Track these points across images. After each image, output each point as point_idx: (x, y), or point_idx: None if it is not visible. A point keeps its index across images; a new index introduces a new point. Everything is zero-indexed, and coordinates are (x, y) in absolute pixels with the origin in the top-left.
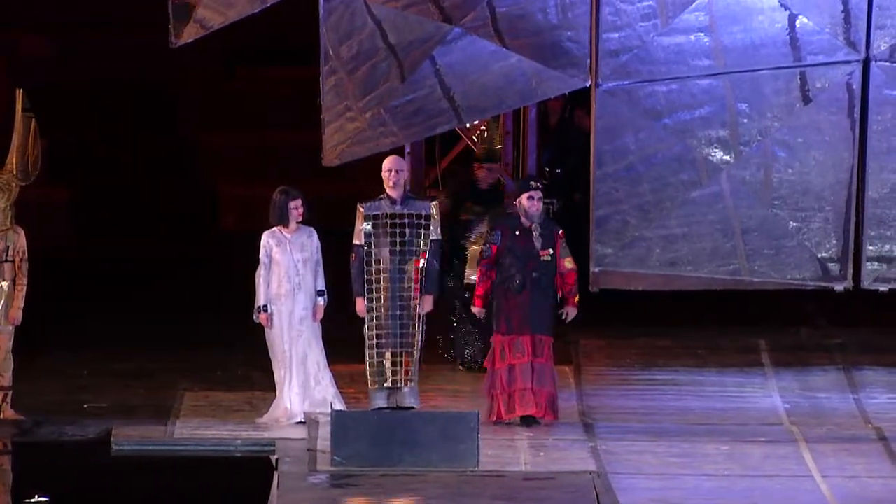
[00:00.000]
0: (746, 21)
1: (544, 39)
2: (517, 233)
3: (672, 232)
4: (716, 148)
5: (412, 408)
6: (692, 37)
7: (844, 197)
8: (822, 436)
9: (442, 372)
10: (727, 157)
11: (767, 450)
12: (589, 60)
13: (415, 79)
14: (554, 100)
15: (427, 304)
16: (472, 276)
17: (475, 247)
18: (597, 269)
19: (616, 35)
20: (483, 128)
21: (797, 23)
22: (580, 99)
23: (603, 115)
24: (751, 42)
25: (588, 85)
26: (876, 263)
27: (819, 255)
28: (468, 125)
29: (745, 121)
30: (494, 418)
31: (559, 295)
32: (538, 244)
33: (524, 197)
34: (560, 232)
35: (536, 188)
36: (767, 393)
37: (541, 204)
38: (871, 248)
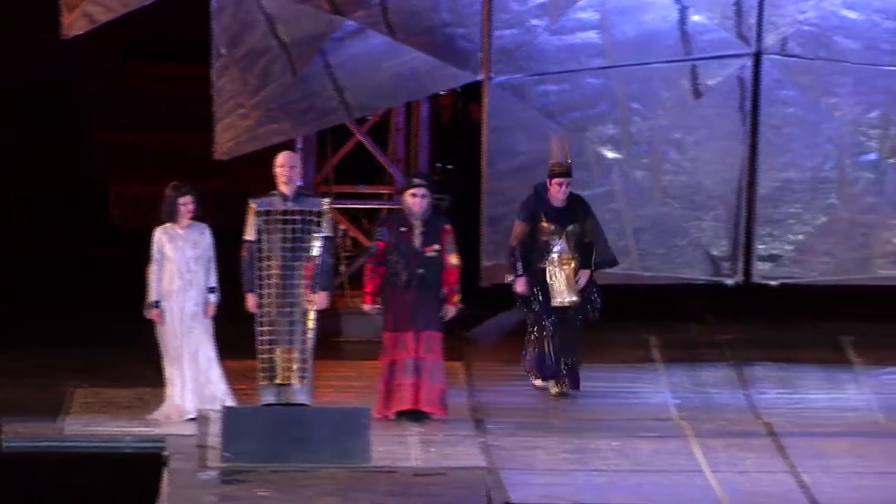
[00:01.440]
0: (637, 17)
1: (437, 36)
2: (403, 229)
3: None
4: (608, 147)
5: (304, 404)
6: (583, 34)
7: (735, 194)
8: (712, 431)
9: (333, 368)
10: (619, 156)
11: (657, 445)
12: (481, 55)
13: (306, 76)
14: (446, 97)
15: (320, 301)
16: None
17: None
18: (489, 264)
19: (508, 32)
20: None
21: (688, 17)
22: (473, 96)
23: (495, 113)
24: (642, 38)
25: (480, 79)
26: (767, 263)
27: (711, 253)
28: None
29: (637, 119)
30: (376, 414)
31: (445, 291)
32: (418, 241)
33: (408, 193)
34: (448, 227)
35: (420, 185)
36: (658, 389)
37: (425, 200)
38: (761, 246)
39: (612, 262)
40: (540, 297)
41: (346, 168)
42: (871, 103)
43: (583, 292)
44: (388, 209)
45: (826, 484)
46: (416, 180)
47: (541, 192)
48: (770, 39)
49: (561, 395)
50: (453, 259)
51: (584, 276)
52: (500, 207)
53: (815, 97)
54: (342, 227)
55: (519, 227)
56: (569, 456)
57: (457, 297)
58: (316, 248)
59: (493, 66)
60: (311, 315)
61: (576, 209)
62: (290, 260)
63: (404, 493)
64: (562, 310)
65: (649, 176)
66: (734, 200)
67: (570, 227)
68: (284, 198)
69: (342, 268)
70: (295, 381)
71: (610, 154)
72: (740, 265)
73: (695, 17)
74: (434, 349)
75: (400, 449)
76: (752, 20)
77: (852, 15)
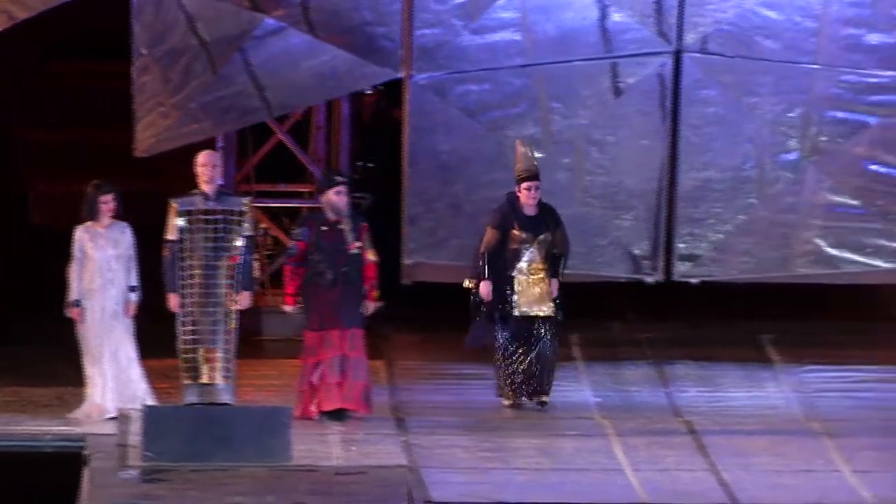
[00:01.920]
0: (557, 15)
1: (357, 34)
2: (324, 228)
3: (484, 231)
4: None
5: (227, 404)
6: (504, 33)
7: (656, 194)
8: (632, 429)
9: (254, 367)
10: (540, 155)
11: (578, 443)
12: (401, 52)
13: (227, 75)
14: (368, 96)
15: (243, 300)
16: None
17: None
18: (409, 262)
19: (429, 32)
20: (296, 122)
21: (608, 16)
22: (395, 95)
23: (416, 112)
24: (562, 36)
25: (401, 77)
26: (687, 263)
27: (632, 252)
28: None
29: (558, 118)
30: (299, 413)
31: (366, 287)
32: (350, 237)
33: (332, 192)
34: (365, 225)
35: (343, 182)
36: (579, 387)
37: (347, 197)
38: (681, 245)
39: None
40: (505, 307)
41: (267, 167)
42: (791, 102)
43: (553, 302)
44: (309, 208)
45: (746, 482)
46: (339, 178)
47: (513, 200)
48: (690, 38)
49: (543, 403)
50: (371, 255)
51: (555, 286)
52: (420, 206)
53: (735, 97)
54: (263, 225)
55: (489, 235)
56: (489, 454)
57: (376, 294)
58: (237, 247)
59: (414, 64)
60: (233, 314)
61: (547, 218)
62: (213, 259)
63: (325, 491)
64: (529, 321)
65: (570, 175)
66: (655, 200)
67: (541, 237)
68: (206, 197)
69: (264, 266)
70: (218, 381)
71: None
72: (661, 264)
73: (615, 16)
74: (358, 346)
75: (321, 448)
76: (673, 19)
77: (773, 15)
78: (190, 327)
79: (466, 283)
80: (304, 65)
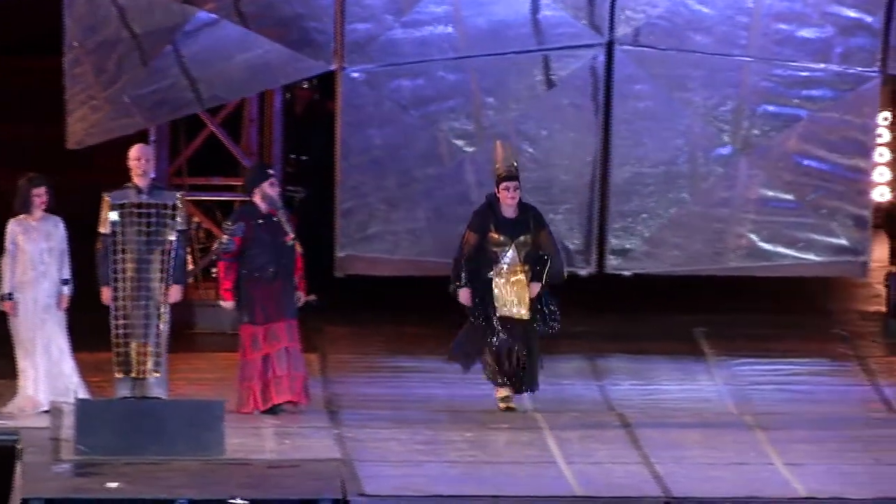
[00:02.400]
0: (489, 8)
1: (290, 28)
2: (260, 221)
3: (419, 225)
4: (462, 140)
5: (158, 398)
6: (436, 28)
7: (589, 188)
8: (566, 423)
9: (187, 360)
10: (473, 150)
11: (512, 436)
12: (334, 45)
13: (159, 68)
14: (302, 89)
15: (175, 294)
16: None
17: None
18: (342, 255)
19: (361, 26)
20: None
21: (540, 8)
22: (329, 88)
23: (349, 106)
24: (494, 29)
25: (333, 69)
26: (620, 257)
27: (566, 246)
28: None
29: (491, 112)
30: (250, 409)
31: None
32: (287, 229)
33: (266, 185)
34: (293, 217)
35: (273, 174)
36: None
37: (279, 189)
38: (614, 239)
39: (560, 276)
40: (486, 309)
41: (200, 160)
42: (723, 97)
43: (535, 305)
44: (242, 201)
45: (679, 474)
46: (270, 171)
47: (492, 201)
48: (622, 31)
49: (508, 409)
50: (298, 247)
51: (535, 288)
52: (353, 200)
53: (668, 91)
54: (196, 219)
55: (468, 237)
56: (423, 447)
57: (306, 285)
58: (170, 241)
59: (347, 58)
60: (166, 308)
61: (528, 220)
62: (145, 253)
63: (258, 485)
64: (510, 322)
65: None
66: (587, 194)
67: (520, 238)
68: (139, 191)
69: (197, 260)
70: (150, 375)
71: (464, 148)
72: (594, 258)
73: (547, 11)
74: (297, 338)
75: (254, 441)
76: (605, 12)
77: (704, 9)
78: (122, 321)
79: (450, 289)
80: (236, 57)
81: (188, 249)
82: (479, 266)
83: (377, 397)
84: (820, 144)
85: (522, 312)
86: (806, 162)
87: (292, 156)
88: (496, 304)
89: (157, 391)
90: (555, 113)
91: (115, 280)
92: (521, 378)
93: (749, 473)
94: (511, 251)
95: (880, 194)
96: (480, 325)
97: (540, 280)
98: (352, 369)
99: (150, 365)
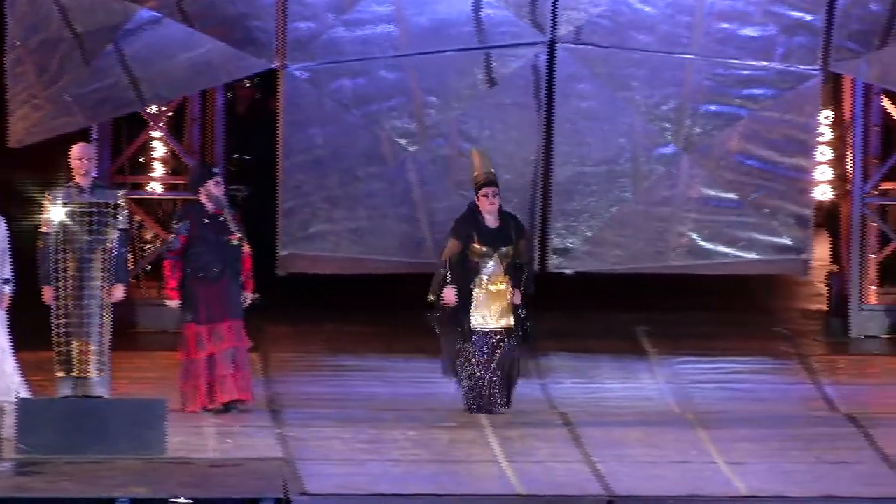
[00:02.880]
0: (431, 7)
1: (233, 27)
2: (205, 220)
3: (361, 224)
4: (404, 140)
5: (100, 397)
6: (378, 27)
7: (531, 187)
8: (508, 421)
9: (129, 359)
10: (415, 149)
11: (454, 435)
12: (276, 43)
13: (101, 67)
14: (243, 88)
15: (117, 292)
16: None
17: None
18: (284, 253)
19: (303, 25)
20: (170, 114)
21: (482, 6)
22: (272, 87)
23: (291, 106)
24: (436, 28)
25: (275, 67)
26: (562, 256)
27: None
28: (155, 111)
29: (433, 111)
30: (196, 408)
31: (243, 279)
32: (233, 228)
33: (211, 184)
34: (238, 216)
35: (219, 173)
36: (455, 379)
37: (224, 188)
38: (556, 238)
39: (530, 287)
40: (465, 321)
41: (141, 159)
42: (665, 95)
43: (517, 314)
44: (184, 200)
45: (621, 473)
46: (215, 169)
47: (474, 209)
48: (564, 29)
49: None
50: (246, 247)
51: (517, 297)
52: (295, 199)
53: (610, 90)
54: (137, 218)
55: (451, 245)
56: (365, 446)
57: (253, 284)
58: (112, 239)
59: (289, 56)
60: (108, 307)
61: (509, 230)
62: (87, 252)
63: (200, 483)
64: (487, 333)
65: (445, 169)
66: (529, 193)
67: (503, 250)
68: (81, 190)
69: (138, 259)
70: (92, 374)
71: (406, 147)
72: (536, 256)
73: (489, 10)
74: (242, 337)
75: (196, 440)
76: (548, 10)
77: (647, 9)
78: (64, 320)
79: (430, 298)
80: (179, 56)
81: (130, 248)
82: (459, 276)
83: (319, 396)
84: (762, 143)
85: (503, 322)
86: (748, 161)
87: (234, 155)
88: (473, 316)
89: (100, 390)
90: (497, 112)
91: (58, 279)
92: (493, 397)
93: (691, 472)
94: (493, 263)
95: (822, 193)
96: (453, 334)
97: (520, 287)
98: (294, 368)
99: (92, 364)
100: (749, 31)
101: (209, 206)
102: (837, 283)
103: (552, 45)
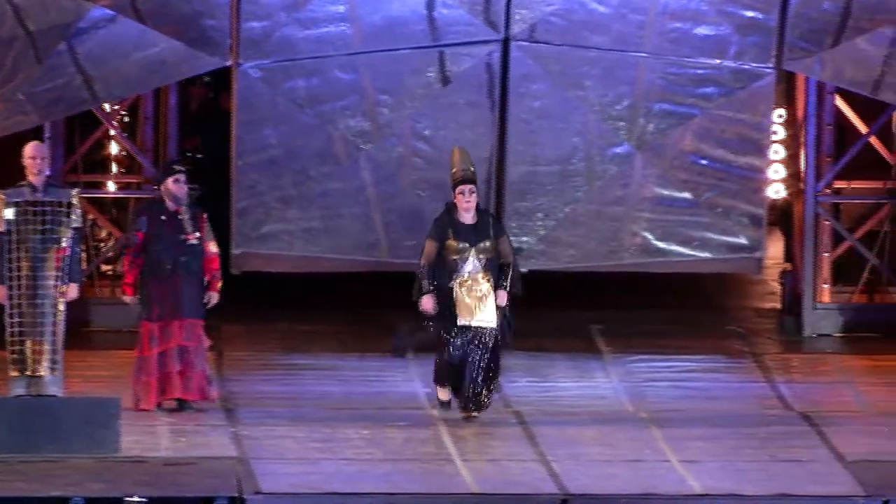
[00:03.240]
0: (385, 6)
1: (187, 25)
2: (163, 218)
3: (314, 224)
4: (358, 139)
5: (54, 396)
6: (332, 26)
7: (485, 186)
8: (461, 420)
9: (82, 358)
10: (369, 148)
11: (408, 434)
12: (230, 42)
13: (54, 65)
14: (196, 87)
15: (71, 291)
16: None
17: None
18: (238, 252)
19: (258, 24)
20: (123, 112)
21: (436, 5)
22: (226, 86)
23: (245, 105)
24: (390, 27)
25: (229, 65)
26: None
27: None
28: (109, 109)
29: (386, 110)
30: (150, 406)
31: (207, 279)
32: (189, 227)
33: (170, 181)
34: (204, 216)
35: (181, 171)
36: (408, 377)
37: (186, 186)
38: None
39: (518, 286)
40: (446, 318)
41: (95, 157)
42: (619, 95)
43: (502, 315)
44: (137, 198)
45: (575, 472)
46: (177, 166)
47: (451, 208)
48: (518, 28)
49: (469, 418)
50: (213, 247)
51: (503, 296)
52: (249, 199)
53: (564, 89)
54: (91, 217)
55: (428, 247)
56: (319, 445)
57: (219, 284)
58: (66, 238)
59: (243, 55)
60: (61, 306)
61: (487, 226)
62: (41, 251)
63: (154, 482)
64: (469, 331)
65: (398, 168)
66: (483, 192)
67: (480, 245)
68: (34, 189)
69: (91, 257)
70: (46, 373)
71: (360, 146)
72: None
73: (443, 9)
74: (197, 336)
75: (150, 439)
76: (501, 8)
77: (600, 8)
78: (17, 319)
79: (414, 298)
80: (132, 55)
81: (84, 247)
82: (439, 276)
83: (273, 395)
84: (715, 143)
85: (484, 321)
86: (701, 161)
87: (188, 153)
88: (456, 314)
89: (53, 389)
90: (450, 111)
91: (11, 278)
92: (470, 396)
93: (645, 470)
94: (471, 259)
95: (775, 192)
96: (437, 334)
97: (505, 288)
98: (248, 367)
99: (45, 363)
100: (702, 31)
101: (169, 203)
102: (791, 282)
103: (506, 44)
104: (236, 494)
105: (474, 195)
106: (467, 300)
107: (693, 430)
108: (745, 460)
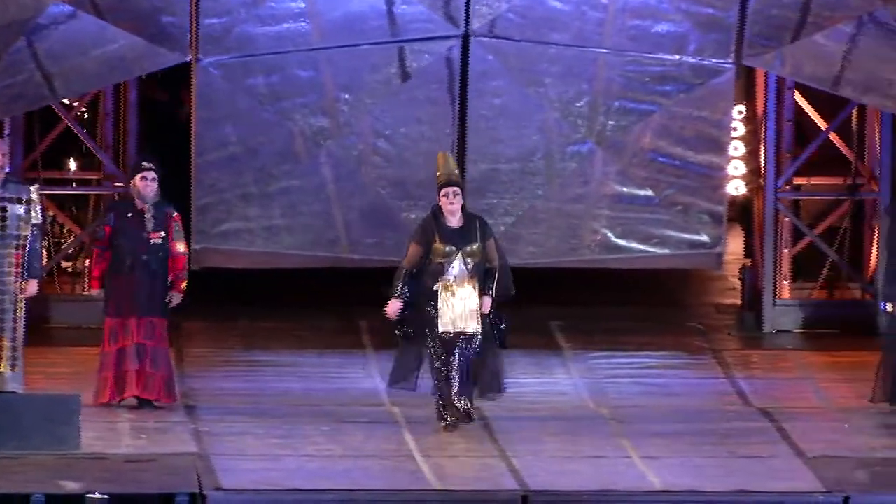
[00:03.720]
0: (344, 2)
1: (146, 21)
2: (129, 214)
3: (275, 222)
4: (318, 136)
5: (14, 392)
6: (292, 23)
7: None
8: (422, 416)
9: (43, 354)
10: (329, 145)
11: (368, 430)
12: (189, 37)
13: (13, 62)
14: (158, 94)
15: (31, 288)
16: None
17: None
18: (198, 248)
19: (217, 21)
20: (83, 109)
21: (395, 1)
22: (185, 82)
23: (204, 103)
24: (349, 23)
25: (188, 60)
26: None
27: None
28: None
29: (346, 108)
30: (105, 400)
31: (171, 278)
32: (150, 226)
33: (137, 178)
34: (175, 215)
35: (150, 168)
36: (368, 374)
37: (154, 184)
38: None
39: (509, 290)
40: (424, 325)
41: (55, 153)
42: (579, 92)
43: (486, 322)
44: (97, 195)
45: (536, 468)
46: (146, 164)
47: (436, 212)
48: (478, 23)
49: (450, 427)
50: (180, 246)
51: (487, 303)
52: (209, 196)
53: (524, 86)
54: (51, 213)
55: (412, 251)
56: (280, 441)
57: (184, 284)
58: (25, 235)
59: (202, 50)
60: (21, 302)
61: (474, 229)
62: (0, 247)
63: (114, 479)
64: (453, 339)
65: (359, 165)
66: None
67: (466, 248)
68: None
69: (52, 254)
70: (6, 370)
71: (320, 143)
72: None
73: (403, 5)
74: (157, 336)
75: (110, 435)
76: (461, 4)
77: (559, 5)
78: None
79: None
80: (92, 51)
81: (44, 243)
82: (422, 280)
83: (234, 392)
84: (675, 141)
85: (470, 327)
86: (661, 158)
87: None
88: (440, 320)
89: (13, 385)
90: (411, 107)
91: None
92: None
93: (605, 467)
94: (458, 263)
95: (735, 188)
96: (415, 340)
97: (490, 294)
98: (208, 364)
99: (5, 359)
100: (662, 28)
101: (137, 201)
102: (751, 278)
103: (466, 39)
104: (197, 491)
105: (458, 197)
106: (452, 306)
107: (653, 426)
108: (705, 456)
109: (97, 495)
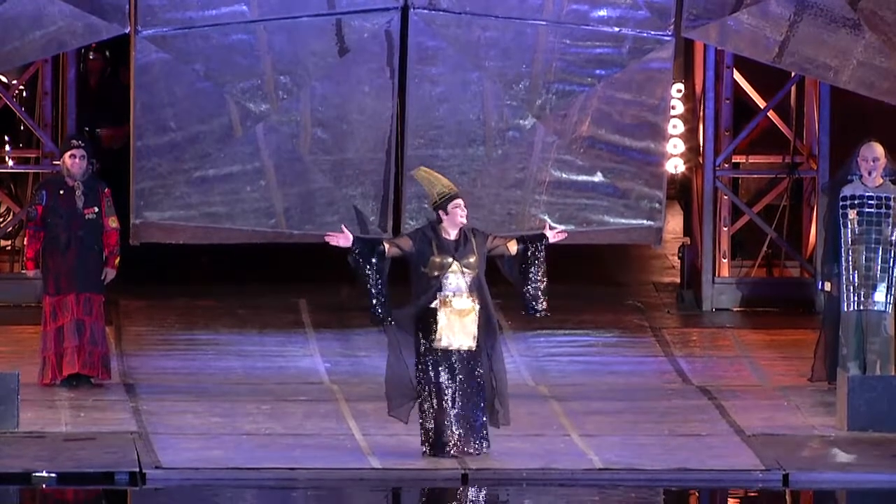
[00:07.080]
0: None
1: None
2: (61, 192)
3: (213, 198)
4: (256, 112)
5: None
6: (229, 5)
7: (384, 164)
8: (362, 395)
9: None
10: (267, 122)
11: (308, 409)
12: (128, 8)
13: None
14: (95, 62)
15: None
16: None
17: None
18: (137, 222)
19: (156, 2)
20: (22, 87)
21: None
22: (124, 59)
23: (142, 86)
24: (287, 4)
25: (127, 32)
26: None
27: (368, 220)
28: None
29: (286, 82)
30: (48, 380)
31: (105, 254)
32: (80, 203)
33: (66, 156)
34: (106, 190)
35: (78, 146)
36: (308, 352)
37: (84, 162)
38: (411, 221)
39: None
40: (423, 342)
41: None
42: (518, 75)
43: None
44: (35, 173)
45: None
46: (74, 142)
47: (434, 226)
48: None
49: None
50: (112, 222)
51: (513, 246)
52: (148, 181)
53: (464, 70)
54: None
55: (400, 238)
56: (220, 420)
57: (117, 260)
58: None
59: (140, 22)
60: None
61: (470, 241)
62: None
63: (53, 458)
64: (452, 355)
65: (298, 142)
66: (383, 166)
67: (465, 261)
68: None
69: None
70: None
71: (259, 120)
72: (390, 227)
73: None
74: (95, 312)
75: (49, 414)
76: None
77: None
78: None
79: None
80: (28, 24)
81: None
82: (419, 299)
83: (173, 370)
84: (614, 128)
85: (467, 343)
86: (600, 145)
87: (86, 128)
88: (435, 336)
89: None
90: (350, 83)
91: None
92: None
93: (545, 445)
94: (456, 277)
95: (674, 166)
96: (405, 359)
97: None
98: (147, 343)
99: None
100: (602, 12)
101: (68, 178)
102: (690, 256)
103: (405, 12)
104: (136, 469)
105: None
106: (450, 322)
107: (593, 404)
108: (645, 434)
109: (44, 473)
